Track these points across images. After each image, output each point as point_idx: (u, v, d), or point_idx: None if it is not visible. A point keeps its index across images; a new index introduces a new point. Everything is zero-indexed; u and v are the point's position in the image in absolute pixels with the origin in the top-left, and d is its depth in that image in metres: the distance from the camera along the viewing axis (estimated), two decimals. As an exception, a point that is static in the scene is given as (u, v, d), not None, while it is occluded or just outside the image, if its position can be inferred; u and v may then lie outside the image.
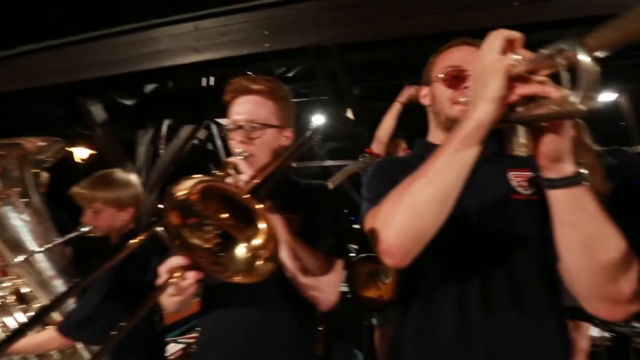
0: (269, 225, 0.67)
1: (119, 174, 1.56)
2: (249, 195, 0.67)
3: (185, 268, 0.70)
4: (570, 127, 0.60)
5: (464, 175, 0.65)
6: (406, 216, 0.67)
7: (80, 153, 5.31)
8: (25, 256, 1.36)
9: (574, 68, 0.47)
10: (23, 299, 1.42)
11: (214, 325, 1.07)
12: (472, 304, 0.77)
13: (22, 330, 0.80)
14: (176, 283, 0.70)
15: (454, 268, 0.80)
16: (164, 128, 3.86)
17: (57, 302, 1.05)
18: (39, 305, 1.42)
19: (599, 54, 0.45)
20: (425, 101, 0.97)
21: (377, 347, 2.46)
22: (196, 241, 0.70)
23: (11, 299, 1.40)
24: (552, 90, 0.55)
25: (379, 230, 0.70)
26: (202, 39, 2.55)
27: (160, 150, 3.80)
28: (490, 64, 0.59)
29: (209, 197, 0.69)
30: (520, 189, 0.83)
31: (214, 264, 0.70)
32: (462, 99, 0.84)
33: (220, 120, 4.28)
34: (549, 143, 0.60)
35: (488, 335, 0.75)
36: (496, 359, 0.75)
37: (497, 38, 0.60)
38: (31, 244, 1.39)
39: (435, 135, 0.96)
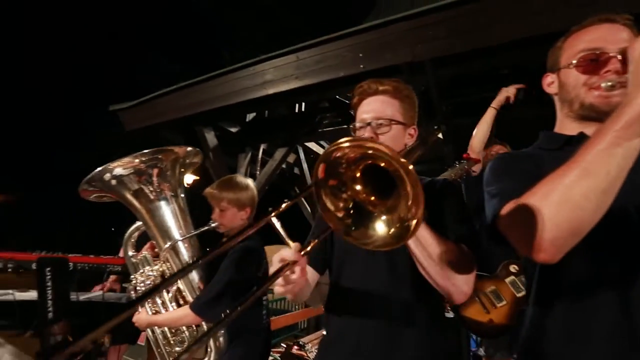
0: (418, 187, 0.66)
1: (240, 178, 1.80)
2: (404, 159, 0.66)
3: (294, 262, 0.76)
4: None
5: (627, 166, 0.59)
6: (560, 209, 0.62)
7: (187, 179, 6.16)
8: (171, 243, 1.63)
9: None
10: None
11: (343, 325, 1.09)
12: (635, 304, 0.69)
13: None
14: (285, 274, 0.76)
15: (611, 266, 0.73)
16: (260, 152, 4.30)
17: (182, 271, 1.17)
18: (178, 286, 1.66)
19: None
20: (551, 90, 0.92)
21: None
22: (330, 206, 0.75)
23: (159, 279, 1.67)
24: None
25: (526, 224, 0.65)
26: (302, 67, 2.85)
27: (257, 172, 4.21)
28: None
29: (356, 162, 0.75)
30: None
31: (347, 234, 0.74)
32: (603, 84, 0.78)
33: (308, 144, 4.60)
34: None
35: None
36: None
37: None
38: (176, 233, 1.65)
39: (564, 125, 0.90)
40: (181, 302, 1.66)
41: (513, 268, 2.00)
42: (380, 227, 0.75)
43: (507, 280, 1.98)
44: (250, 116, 4.18)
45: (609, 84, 0.77)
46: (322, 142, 4.79)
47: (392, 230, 0.73)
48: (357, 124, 1.12)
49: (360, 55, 2.63)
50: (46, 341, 1.96)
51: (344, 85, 2.83)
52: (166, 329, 1.70)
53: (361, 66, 2.63)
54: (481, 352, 2.25)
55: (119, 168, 1.61)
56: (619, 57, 0.76)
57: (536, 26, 2.00)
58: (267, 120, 4.33)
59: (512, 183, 0.76)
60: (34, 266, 1.91)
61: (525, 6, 2.09)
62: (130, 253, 1.82)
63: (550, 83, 0.91)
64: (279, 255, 0.79)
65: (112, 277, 2.63)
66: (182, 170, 1.70)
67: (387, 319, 1.03)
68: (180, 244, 1.65)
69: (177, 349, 1.68)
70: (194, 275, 1.65)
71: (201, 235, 1.73)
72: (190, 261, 1.66)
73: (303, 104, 4.16)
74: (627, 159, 0.58)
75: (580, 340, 0.74)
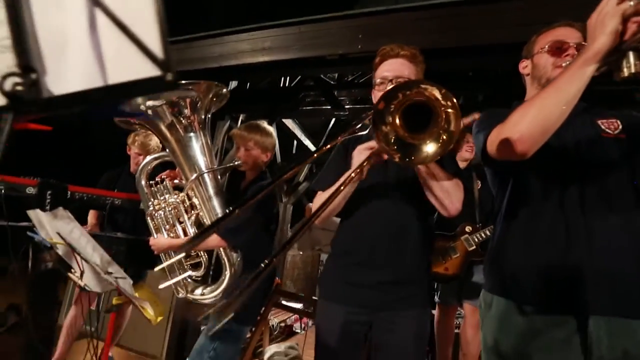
0: (456, 107, 0.96)
1: (266, 124, 1.96)
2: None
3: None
4: None
5: (583, 86, 0.87)
6: (537, 113, 0.91)
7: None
8: (198, 173, 1.74)
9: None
10: (192, 207, 1.79)
11: (360, 222, 1.33)
12: (570, 208, 1.01)
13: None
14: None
15: (555, 183, 1.06)
16: (239, 122, 4.34)
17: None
18: (199, 213, 1.78)
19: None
20: (525, 71, 1.23)
21: (436, 324, 2.64)
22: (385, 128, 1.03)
23: (184, 206, 1.77)
24: None
25: (510, 129, 0.96)
26: (303, 39, 3.04)
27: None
28: (610, 8, 0.82)
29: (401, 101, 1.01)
30: (608, 130, 1.07)
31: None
32: (563, 64, 1.07)
33: (285, 121, 4.75)
34: None
35: (584, 229, 0.98)
36: (593, 242, 0.97)
37: None
38: (203, 165, 1.76)
39: (532, 95, 1.17)
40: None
41: (467, 228, 2.47)
42: (430, 146, 1.03)
43: (462, 237, 2.44)
44: (232, 84, 4.20)
45: (566, 63, 1.08)
46: (297, 120, 4.98)
47: (441, 139, 1.01)
48: (378, 80, 1.36)
49: (360, 36, 2.90)
50: (38, 267, 1.91)
51: (341, 64, 3.07)
52: (182, 254, 1.81)
53: (359, 46, 2.91)
54: (436, 299, 2.69)
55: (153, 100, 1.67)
56: (575, 47, 1.10)
57: (515, 35, 2.46)
58: (249, 91, 4.39)
59: (497, 120, 1.06)
60: (28, 191, 1.85)
61: (509, 17, 2.55)
62: (143, 182, 1.87)
63: (525, 66, 1.23)
64: (365, 145, 1.04)
65: (92, 212, 2.56)
66: (210, 106, 1.80)
67: (394, 234, 1.28)
68: (205, 175, 1.77)
69: (192, 272, 1.80)
70: (215, 204, 1.78)
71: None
72: (214, 192, 1.78)
73: (287, 79, 4.30)
74: (582, 80, 0.87)
75: (529, 242, 1.06)
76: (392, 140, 1.04)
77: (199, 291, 1.82)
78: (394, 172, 1.35)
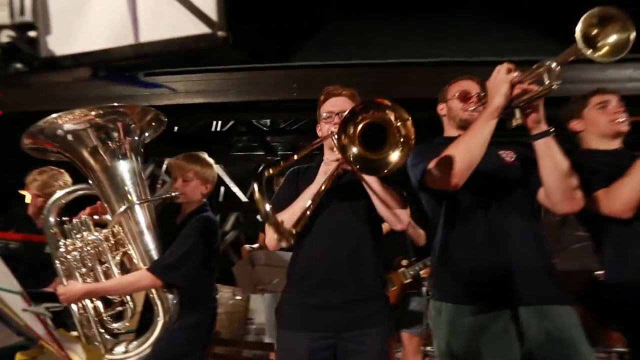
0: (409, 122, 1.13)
1: (206, 155, 1.89)
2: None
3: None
4: (542, 104, 1.13)
5: (491, 130, 1.17)
6: (464, 153, 1.19)
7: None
8: (128, 205, 1.54)
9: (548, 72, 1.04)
10: (118, 246, 1.54)
11: (316, 244, 1.35)
12: (492, 218, 1.28)
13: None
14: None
15: (478, 201, 1.31)
16: (163, 169, 4.08)
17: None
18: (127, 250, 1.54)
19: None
20: (442, 112, 1.52)
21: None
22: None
23: (107, 244, 1.52)
24: (533, 86, 1.10)
25: (446, 165, 1.19)
26: (240, 84, 3.13)
27: (158, 186, 3.92)
28: (501, 77, 1.13)
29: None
30: (507, 158, 1.38)
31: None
32: (470, 108, 1.41)
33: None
34: (532, 114, 1.14)
35: (504, 231, 1.26)
36: (510, 243, 1.24)
37: (502, 66, 1.14)
38: (134, 196, 1.58)
39: (449, 132, 1.50)
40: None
41: (403, 262, 2.61)
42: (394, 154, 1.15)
43: (399, 270, 2.57)
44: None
45: (472, 108, 1.41)
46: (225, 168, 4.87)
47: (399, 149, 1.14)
48: (325, 114, 1.49)
49: (295, 85, 3.12)
50: None
51: (274, 109, 3.22)
52: (99, 303, 1.51)
53: (294, 94, 3.11)
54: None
55: (71, 122, 1.50)
56: (477, 95, 1.42)
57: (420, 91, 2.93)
58: (176, 134, 4.23)
59: (429, 155, 1.28)
60: None
61: (415, 77, 3.04)
62: (52, 220, 1.59)
63: (442, 108, 1.52)
64: (332, 157, 1.11)
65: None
66: (146, 129, 1.67)
67: (350, 253, 1.33)
68: (137, 207, 1.58)
69: (116, 325, 1.50)
70: (148, 242, 1.58)
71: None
72: (146, 226, 1.59)
73: (219, 123, 4.28)
74: (490, 129, 1.16)
75: (466, 251, 1.28)
76: (354, 157, 1.14)
77: (120, 348, 1.51)
78: (344, 193, 1.40)
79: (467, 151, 1.18)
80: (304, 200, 1.26)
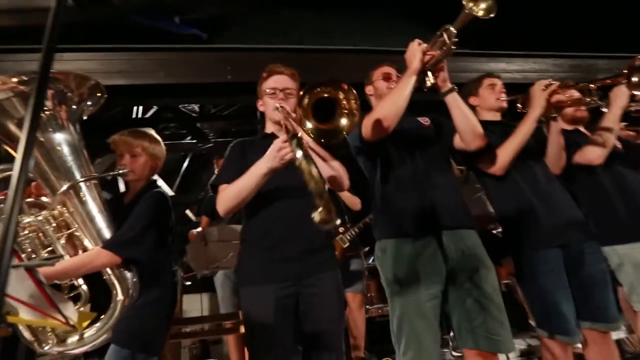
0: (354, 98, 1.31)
1: (153, 132, 1.82)
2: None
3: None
4: (446, 66, 1.43)
5: (411, 88, 1.41)
6: (392, 103, 1.44)
7: None
8: (72, 183, 1.41)
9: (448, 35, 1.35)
10: (61, 227, 1.40)
11: (270, 208, 1.44)
12: (419, 166, 1.57)
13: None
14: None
15: (406, 154, 1.59)
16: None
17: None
18: (75, 232, 1.42)
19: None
20: (370, 92, 1.78)
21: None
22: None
23: (50, 226, 1.37)
24: (438, 51, 1.37)
25: (377, 114, 1.45)
26: (171, 64, 2.97)
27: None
28: (415, 47, 1.41)
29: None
30: (425, 123, 1.72)
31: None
32: (392, 86, 1.68)
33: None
34: (440, 73, 1.43)
35: (427, 176, 1.55)
36: (432, 184, 1.53)
37: (414, 41, 1.42)
38: (77, 173, 1.44)
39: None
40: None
41: (340, 229, 2.86)
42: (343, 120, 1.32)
43: (337, 237, 2.81)
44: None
45: (394, 86, 1.66)
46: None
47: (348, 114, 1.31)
48: (268, 90, 1.56)
49: (228, 68, 3.09)
50: None
51: (207, 93, 3.14)
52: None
53: (228, 77, 3.08)
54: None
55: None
56: (396, 76, 1.73)
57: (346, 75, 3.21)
58: (91, 121, 3.76)
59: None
60: None
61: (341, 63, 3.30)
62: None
63: (369, 89, 1.79)
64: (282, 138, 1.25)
65: None
66: (84, 98, 1.52)
67: (301, 212, 1.32)
68: (83, 186, 1.46)
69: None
70: (99, 221, 1.47)
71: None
72: (95, 207, 1.48)
73: (140, 109, 3.93)
74: (411, 85, 1.41)
75: (400, 194, 1.55)
76: (311, 131, 1.28)
77: (73, 338, 1.39)
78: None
79: (394, 102, 1.43)
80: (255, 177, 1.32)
